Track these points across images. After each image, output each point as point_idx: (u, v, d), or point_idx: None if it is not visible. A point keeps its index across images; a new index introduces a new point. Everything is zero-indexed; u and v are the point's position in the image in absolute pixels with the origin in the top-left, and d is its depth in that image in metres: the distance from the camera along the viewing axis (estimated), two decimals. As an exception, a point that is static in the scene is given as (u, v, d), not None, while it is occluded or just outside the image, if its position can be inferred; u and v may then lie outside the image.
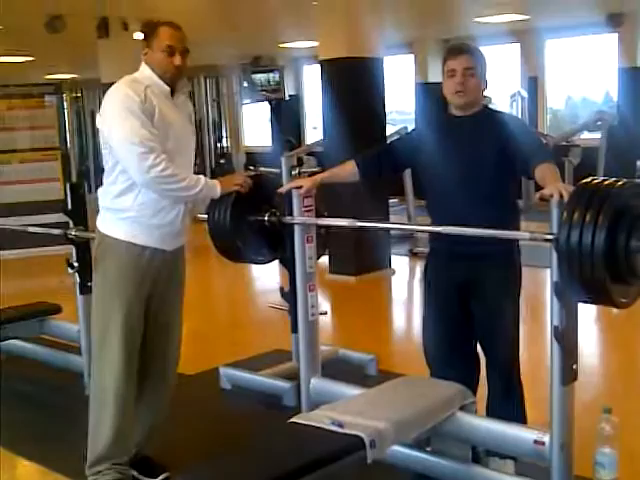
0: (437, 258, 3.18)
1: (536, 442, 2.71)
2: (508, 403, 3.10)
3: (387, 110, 7.36)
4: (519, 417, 3.06)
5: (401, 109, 13.15)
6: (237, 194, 3.21)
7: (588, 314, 5.18)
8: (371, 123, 6.85)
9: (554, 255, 2.46)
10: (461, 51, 3.02)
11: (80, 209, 4.05)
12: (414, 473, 3.07)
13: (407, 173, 8.69)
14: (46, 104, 9.13)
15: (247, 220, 3.41)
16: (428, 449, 3.02)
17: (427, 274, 3.22)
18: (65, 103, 13.00)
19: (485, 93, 3.08)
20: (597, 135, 8.98)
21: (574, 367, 2.60)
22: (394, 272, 7.28)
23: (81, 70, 13.65)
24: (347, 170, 3.33)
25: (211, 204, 3.41)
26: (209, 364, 4.62)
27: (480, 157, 2.95)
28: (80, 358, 4.22)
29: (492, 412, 3.07)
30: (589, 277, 2.31)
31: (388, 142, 5.56)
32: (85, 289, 4.01)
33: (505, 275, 3.02)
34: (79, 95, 15.31)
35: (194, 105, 12.86)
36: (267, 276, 7.01)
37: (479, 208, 2.92)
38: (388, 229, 6.84)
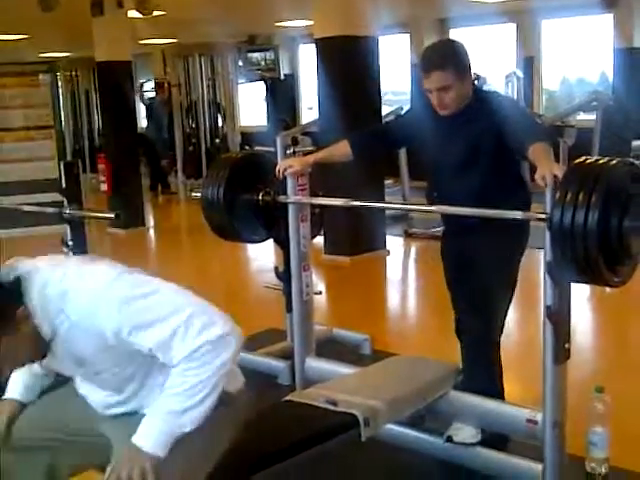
0: (444, 237, 3.31)
1: (529, 421, 2.73)
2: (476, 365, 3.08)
3: (383, 90, 7.33)
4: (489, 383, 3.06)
5: (397, 90, 13.10)
6: (231, 172, 3.20)
7: (581, 293, 5.20)
8: (366, 103, 6.83)
9: (547, 235, 2.47)
10: (430, 69, 2.92)
11: (75, 188, 4.03)
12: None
13: (402, 154, 8.69)
14: (40, 83, 9.08)
15: (241, 199, 3.41)
16: (423, 427, 3.05)
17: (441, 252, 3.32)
18: (59, 82, 12.95)
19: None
20: (592, 116, 8.97)
21: (566, 346, 2.62)
22: (389, 253, 7.28)
23: (75, 48, 13.56)
24: (340, 150, 3.33)
25: (206, 182, 3.41)
26: (204, 343, 4.61)
27: (475, 144, 2.96)
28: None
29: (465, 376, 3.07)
30: (582, 257, 2.32)
31: (383, 123, 5.56)
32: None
33: (495, 246, 3.00)
34: (73, 74, 15.22)
35: (189, 85, 12.85)
36: (263, 255, 7.01)
37: (481, 193, 2.94)
38: (382, 208, 6.85)
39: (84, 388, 2.24)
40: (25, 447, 2.19)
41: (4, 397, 2.29)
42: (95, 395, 2.21)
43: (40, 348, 2.02)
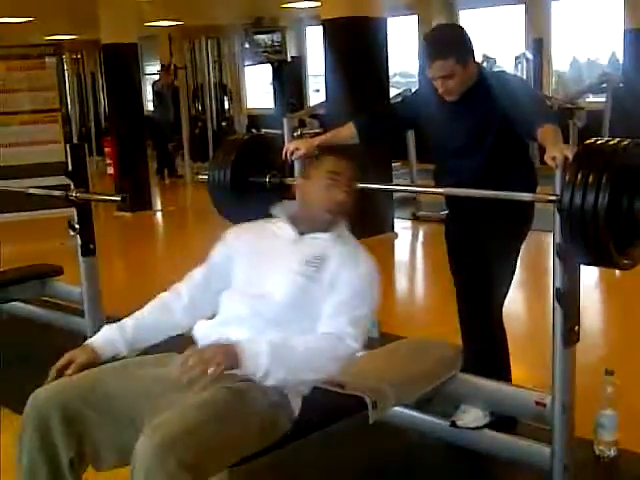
0: (448, 219, 3.26)
1: (537, 403, 2.72)
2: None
3: (390, 73, 7.29)
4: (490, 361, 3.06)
5: (405, 71, 13.05)
6: (238, 154, 3.18)
7: (590, 276, 5.18)
8: (374, 85, 6.78)
9: (557, 217, 2.44)
10: (432, 58, 2.89)
11: (81, 171, 4.02)
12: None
13: (410, 136, 8.64)
14: (46, 65, 9.05)
15: (248, 181, 3.39)
16: (430, 410, 3.03)
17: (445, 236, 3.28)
18: (65, 64, 12.93)
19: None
20: (602, 98, 8.91)
21: (576, 329, 2.59)
22: (397, 236, 7.26)
23: (81, 31, 13.53)
24: (346, 133, 3.32)
25: (212, 165, 3.39)
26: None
27: (479, 124, 2.94)
28: (82, 320, 4.22)
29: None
30: (592, 239, 2.30)
31: (389, 105, 5.53)
32: (87, 251, 4.00)
33: (496, 230, 2.99)
34: (79, 56, 15.19)
35: (196, 68, 12.81)
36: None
37: (485, 174, 2.92)
38: (390, 191, 6.82)
39: (268, 283, 2.40)
40: (80, 399, 2.21)
41: (85, 343, 2.37)
42: (267, 297, 2.35)
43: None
